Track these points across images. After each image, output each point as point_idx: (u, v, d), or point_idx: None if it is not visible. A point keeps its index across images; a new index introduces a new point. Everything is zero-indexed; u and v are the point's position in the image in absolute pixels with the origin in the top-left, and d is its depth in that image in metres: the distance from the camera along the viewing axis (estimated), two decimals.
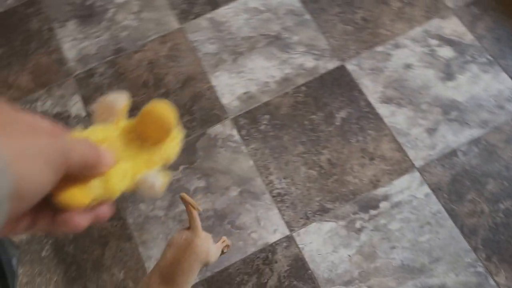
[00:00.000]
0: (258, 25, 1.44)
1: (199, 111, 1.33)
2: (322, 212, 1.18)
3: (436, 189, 1.18)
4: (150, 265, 1.16)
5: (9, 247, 1.17)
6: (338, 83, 1.32)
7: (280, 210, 1.19)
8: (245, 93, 1.34)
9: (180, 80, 1.38)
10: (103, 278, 1.16)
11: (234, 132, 1.29)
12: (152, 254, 1.17)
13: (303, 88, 1.33)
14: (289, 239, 1.16)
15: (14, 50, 1.49)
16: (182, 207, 1.21)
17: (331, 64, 1.35)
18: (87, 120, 1.35)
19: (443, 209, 1.16)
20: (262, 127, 1.29)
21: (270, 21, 1.43)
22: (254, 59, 1.38)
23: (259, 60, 1.38)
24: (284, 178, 1.22)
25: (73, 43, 1.48)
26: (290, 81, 1.34)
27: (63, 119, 1.37)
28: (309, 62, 1.36)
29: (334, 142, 1.25)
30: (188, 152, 1.28)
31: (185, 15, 1.48)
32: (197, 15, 1.48)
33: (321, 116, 1.28)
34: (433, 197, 1.17)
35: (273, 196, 1.20)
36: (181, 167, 1.26)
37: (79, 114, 1.37)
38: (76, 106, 1.38)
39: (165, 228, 1.20)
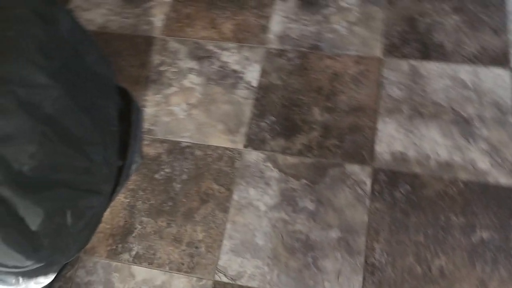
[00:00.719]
0: (455, 98, 1.33)
1: (350, 142, 1.30)
2: None
3: None
4: (226, 243, 1.20)
5: (137, 153, 1.31)
6: (500, 203, 1.18)
7: (364, 279, 1.13)
8: (402, 153, 1.27)
9: (350, 104, 1.36)
10: (186, 227, 1.24)
11: (369, 181, 1.24)
12: (234, 236, 1.21)
13: (461, 184, 1.21)
14: None
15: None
16: (282, 214, 1.22)
17: (505, 180, 1.20)
18: (253, 91, 1.41)
19: None
20: (397, 194, 1.22)
21: (470, 101, 1.32)
22: (430, 128, 1.30)
23: (435, 131, 1.29)
24: (387, 254, 1.15)
25: (283, 19, 1.54)
26: (452, 169, 1.23)
27: (235, 77, 1.45)
28: (483, 163, 1.23)
29: (458, 255, 1.13)
30: (317, 172, 1.27)
31: (391, 49, 1.44)
32: (403, 56, 1.42)
33: (461, 222, 1.17)
34: None
35: (366, 263, 1.15)
36: (303, 181, 1.26)
37: (250, 81, 1.44)
38: (252, 74, 1.45)
39: (257, 223, 1.22)
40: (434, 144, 1.28)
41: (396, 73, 1.40)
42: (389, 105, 1.35)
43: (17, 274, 0.91)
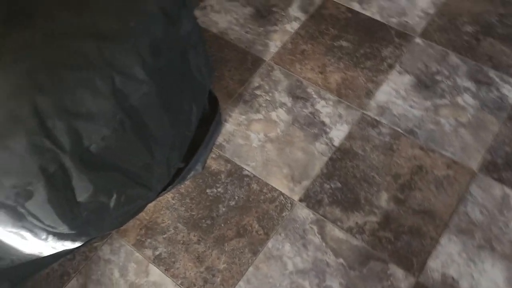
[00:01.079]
0: None
1: (404, 243, 1.22)
2: None
3: None
4: (242, 285, 1.19)
5: (200, 162, 1.34)
6: None
7: None
8: (454, 279, 1.16)
9: (422, 205, 1.27)
10: (212, 251, 1.24)
11: None
12: (252, 282, 1.19)
13: None
14: None
15: (355, 54, 1.57)
16: (306, 282, 1.18)
17: None
18: (332, 150, 1.38)
19: None
20: None
21: None
22: (496, 267, 1.17)
23: (500, 273, 1.16)
24: None
25: (392, 91, 1.49)
26: None
27: (320, 129, 1.42)
28: None
29: None
30: (358, 258, 1.20)
31: (490, 168, 1.32)
32: (500, 179, 1.30)
33: None
34: None
35: None
36: (340, 260, 1.21)
37: (332, 139, 1.40)
38: (338, 132, 1.41)
39: (278, 279, 1.19)
40: (493, 286, 1.15)
41: (484, 194, 1.28)
42: (462, 224, 1.24)
43: (48, 232, 0.98)
